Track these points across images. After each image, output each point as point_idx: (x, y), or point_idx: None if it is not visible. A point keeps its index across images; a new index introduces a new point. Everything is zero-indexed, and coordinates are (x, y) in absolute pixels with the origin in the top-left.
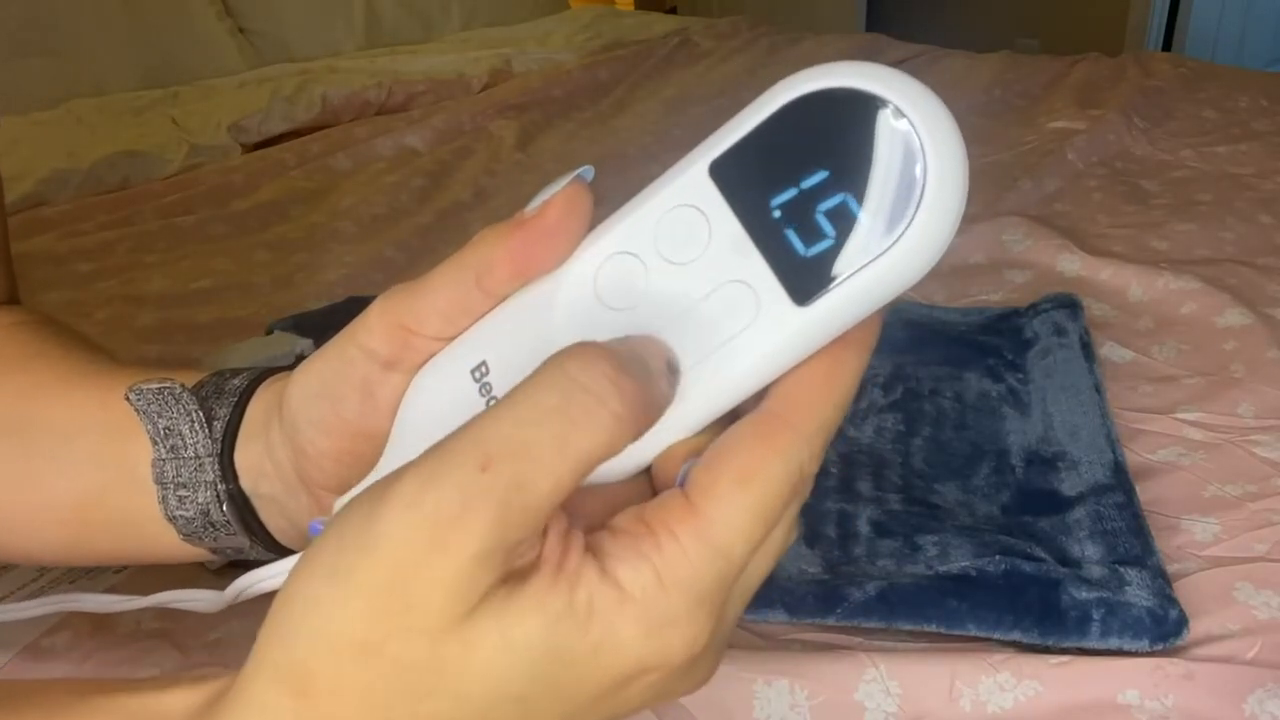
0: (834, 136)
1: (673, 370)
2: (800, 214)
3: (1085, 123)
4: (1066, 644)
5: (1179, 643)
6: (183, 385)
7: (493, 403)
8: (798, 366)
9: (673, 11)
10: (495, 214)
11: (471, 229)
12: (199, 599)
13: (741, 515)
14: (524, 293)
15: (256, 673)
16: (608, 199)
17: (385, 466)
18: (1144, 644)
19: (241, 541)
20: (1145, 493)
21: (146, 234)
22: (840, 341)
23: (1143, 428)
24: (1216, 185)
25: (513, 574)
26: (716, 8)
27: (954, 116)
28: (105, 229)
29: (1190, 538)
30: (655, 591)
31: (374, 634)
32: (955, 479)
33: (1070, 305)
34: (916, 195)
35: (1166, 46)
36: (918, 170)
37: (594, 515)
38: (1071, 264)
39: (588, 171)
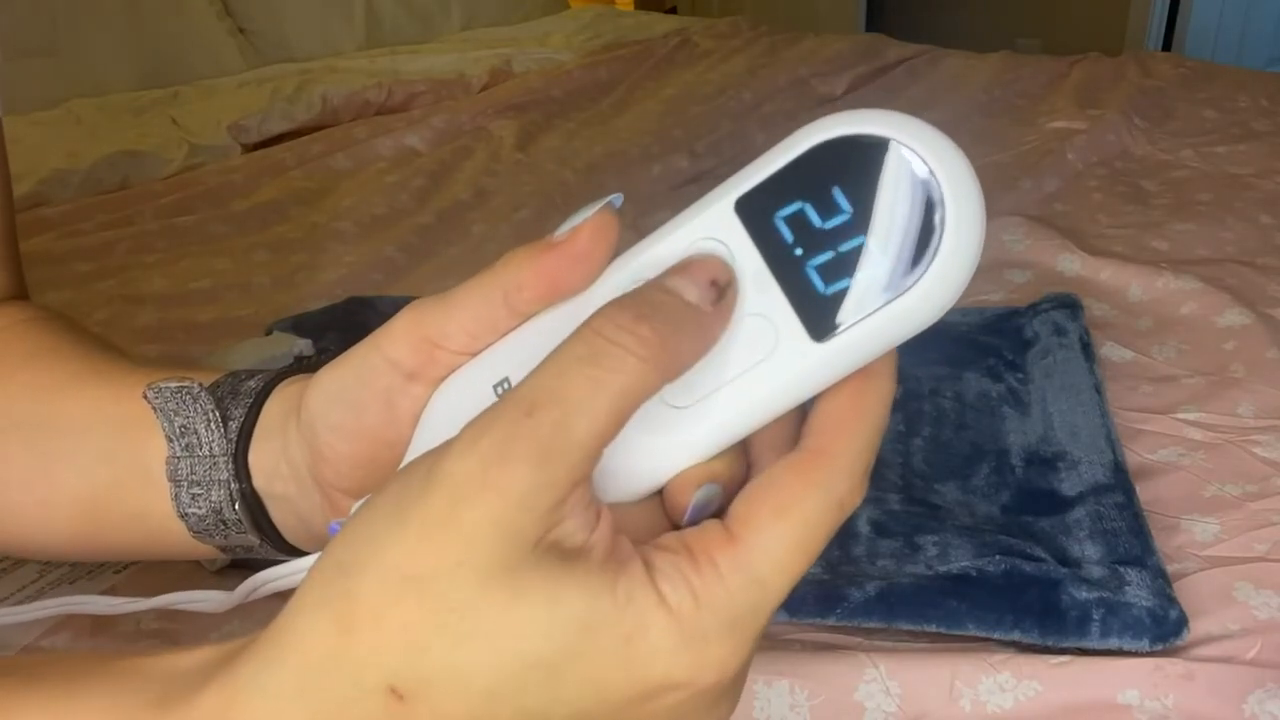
0: (857, 181)
1: (721, 286)
2: (821, 253)
3: (1085, 123)
4: (1066, 644)
5: (1179, 643)
6: (200, 384)
7: None
8: (827, 401)
9: (673, 11)
10: (495, 214)
11: (472, 229)
12: (206, 599)
13: (779, 546)
14: (549, 313)
15: (301, 602)
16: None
17: None
18: (1144, 644)
19: (251, 540)
20: (1145, 493)
21: (146, 234)
22: (863, 373)
23: (1143, 428)
24: (1216, 185)
25: (566, 551)
26: (716, 8)
27: (973, 167)
28: (105, 229)
29: (1190, 538)
30: (691, 609)
31: (424, 568)
32: (955, 479)
33: (1070, 305)
34: (935, 241)
35: (1166, 46)
36: (937, 218)
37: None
38: (1071, 264)
39: (617, 199)
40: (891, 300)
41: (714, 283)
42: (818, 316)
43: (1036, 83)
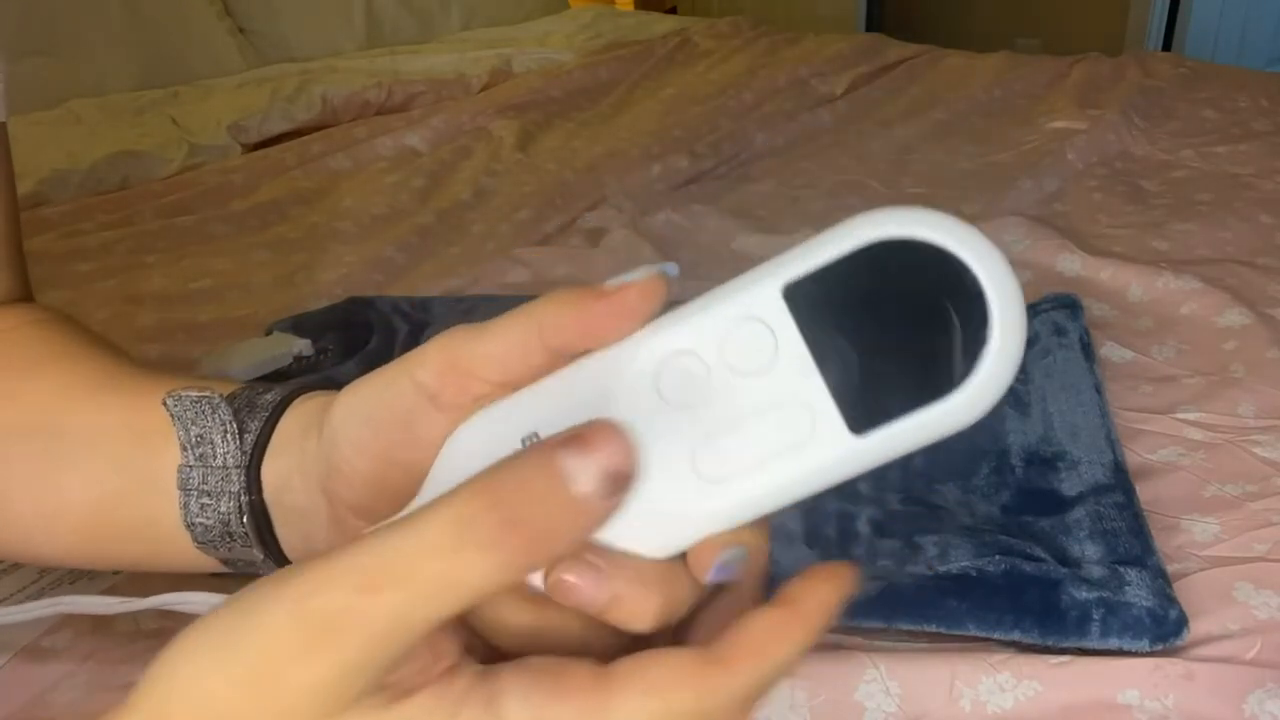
0: (909, 283)
1: (618, 479)
2: (866, 349)
3: (1085, 123)
4: (1066, 644)
5: (1179, 643)
6: (220, 395)
7: None
8: (759, 617)
9: (673, 11)
10: (495, 214)
11: (472, 229)
12: (205, 602)
13: (637, 715)
14: (584, 368)
15: (132, 702)
16: (608, 200)
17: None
18: (1144, 644)
19: (255, 555)
20: (1145, 493)
21: (146, 234)
22: (800, 610)
23: (1143, 428)
24: (1216, 185)
25: (397, 689)
26: (716, 8)
27: (1018, 280)
28: (105, 229)
29: (1190, 538)
30: None
31: (239, 713)
32: (955, 479)
33: (1070, 305)
34: (980, 352)
35: (1166, 46)
36: (984, 332)
37: (626, 582)
38: (1071, 264)
39: (672, 268)
40: (933, 402)
41: (614, 474)
42: (857, 409)
43: (1036, 83)
